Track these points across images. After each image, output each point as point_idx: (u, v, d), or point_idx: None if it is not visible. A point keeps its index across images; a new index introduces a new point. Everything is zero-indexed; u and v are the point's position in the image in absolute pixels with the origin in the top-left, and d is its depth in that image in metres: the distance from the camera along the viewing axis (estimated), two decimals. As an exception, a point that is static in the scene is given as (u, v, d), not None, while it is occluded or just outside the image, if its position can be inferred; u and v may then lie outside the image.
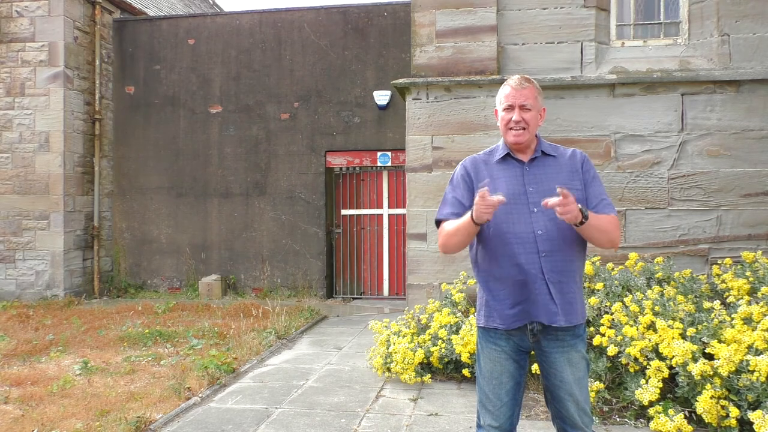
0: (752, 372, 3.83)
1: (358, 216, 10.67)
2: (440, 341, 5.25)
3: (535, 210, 2.49)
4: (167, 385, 5.14)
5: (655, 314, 4.53)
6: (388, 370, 5.34)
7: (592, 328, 4.65)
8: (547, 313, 2.48)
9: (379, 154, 10.39)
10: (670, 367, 4.13)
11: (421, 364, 5.27)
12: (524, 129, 2.53)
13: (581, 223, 2.39)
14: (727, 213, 6.16)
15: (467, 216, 2.47)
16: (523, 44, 6.57)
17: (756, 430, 3.64)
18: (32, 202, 10.20)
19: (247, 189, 10.76)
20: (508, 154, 2.61)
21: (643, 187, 6.31)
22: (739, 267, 5.37)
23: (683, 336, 4.27)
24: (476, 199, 2.35)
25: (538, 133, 2.68)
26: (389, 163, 10.37)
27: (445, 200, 2.71)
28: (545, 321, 2.48)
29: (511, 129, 2.55)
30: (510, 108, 2.55)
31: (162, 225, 11.01)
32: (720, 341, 4.14)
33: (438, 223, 2.71)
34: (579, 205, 2.37)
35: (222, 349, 6.34)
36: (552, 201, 2.33)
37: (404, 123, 6.81)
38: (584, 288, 5.13)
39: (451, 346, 5.15)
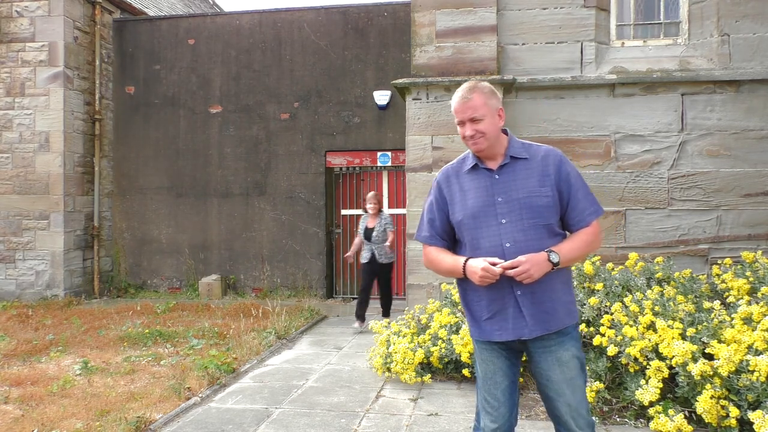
0: (752, 372, 3.82)
1: (359, 216, 10.64)
2: (440, 341, 5.25)
3: (503, 221, 2.44)
4: (167, 385, 5.14)
5: (655, 314, 4.53)
6: (388, 370, 5.34)
7: (592, 328, 4.65)
8: (515, 327, 2.45)
9: (379, 154, 10.39)
10: (670, 367, 4.13)
11: (421, 364, 5.27)
12: (482, 137, 2.49)
13: (554, 269, 2.39)
14: (727, 213, 6.16)
15: (459, 266, 2.48)
16: (523, 44, 6.57)
17: (756, 430, 3.63)
18: (32, 202, 10.20)
19: (247, 189, 10.76)
20: (476, 164, 2.56)
21: (643, 187, 6.31)
22: (739, 267, 5.37)
23: (683, 336, 4.27)
24: (479, 273, 2.37)
25: (510, 132, 2.60)
26: (389, 163, 10.37)
27: (422, 219, 2.70)
28: (512, 336, 2.46)
29: (469, 141, 2.52)
30: (461, 123, 2.52)
31: (162, 225, 11.01)
32: (720, 341, 4.14)
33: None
34: (546, 253, 2.36)
35: (222, 349, 6.34)
36: (510, 272, 2.33)
37: (404, 123, 6.82)
38: (584, 287, 5.13)
39: (451, 346, 5.15)
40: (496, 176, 2.51)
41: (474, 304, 2.54)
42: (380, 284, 7.88)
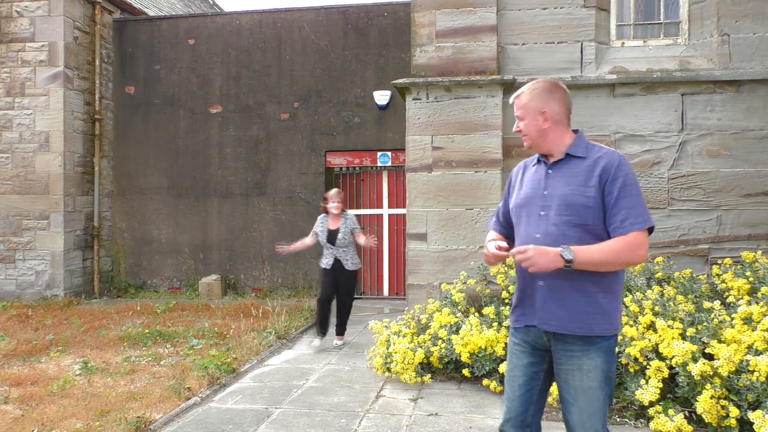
0: (752, 372, 3.83)
1: (358, 216, 10.61)
2: (440, 341, 5.25)
3: (542, 213, 2.49)
4: (167, 385, 5.14)
5: (655, 314, 4.53)
6: (388, 370, 5.34)
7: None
8: (529, 314, 2.52)
9: (379, 154, 10.39)
10: (670, 367, 4.13)
11: (421, 364, 5.27)
12: (525, 136, 2.61)
13: (567, 266, 2.34)
14: (727, 213, 6.16)
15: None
16: (523, 44, 6.57)
17: (756, 430, 3.63)
18: (32, 202, 10.20)
19: (247, 189, 10.76)
20: (539, 158, 2.66)
21: (643, 187, 6.30)
22: (739, 267, 5.37)
23: (683, 336, 4.27)
24: (485, 253, 2.60)
25: (581, 132, 2.61)
26: (389, 163, 10.37)
27: None
28: (525, 321, 2.53)
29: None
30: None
31: (162, 225, 11.01)
32: (720, 341, 4.14)
33: None
34: (560, 250, 2.33)
35: (222, 349, 6.34)
36: (518, 256, 2.38)
37: (404, 123, 6.82)
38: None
39: (451, 346, 5.15)
40: (549, 171, 2.56)
41: (517, 290, 2.64)
42: (341, 294, 6.80)
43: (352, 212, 7.09)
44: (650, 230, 2.41)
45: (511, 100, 2.71)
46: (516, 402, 2.56)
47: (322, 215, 6.85)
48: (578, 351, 2.43)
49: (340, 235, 6.61)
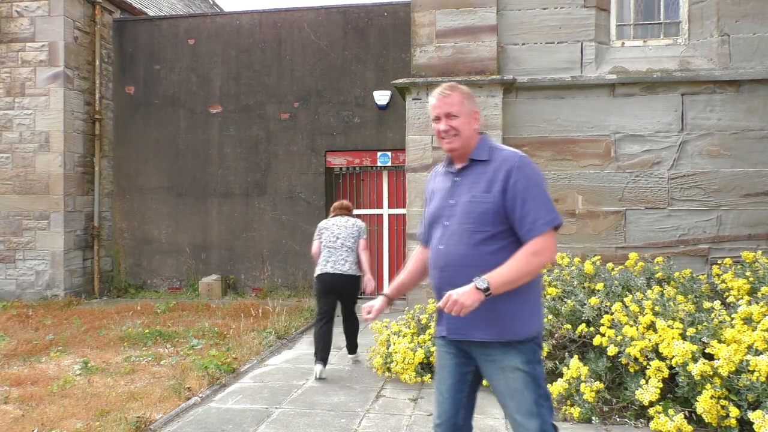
0: (752, 372, 3.83)
1: (358, 216, 10.65)
2: (440, 341, 5.24)
3: (447, 224, 2.45)
4: (167, 385, 5.14)
5: (655, 314, 4.53)
6: (388, 370, 5.34)
7: (592, 328, 4.66)
8: (443, 327, 2.48)
9: (379, 154, 10.38)
10: (670, 367, 4.13)
11: (421, 364, 5.26)
12: (456, 135, 2.48)
13: (487, 295, 2.24)
14: (727, 213, 6.16)
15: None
16: (523, 44, 6.58)
17: (756, 430, 3.63)
18: (32, 202, 10.20)
19: (247, 189, 10.76)
20: (445, 165, 2.60)
21: (643, 187, 6.31)
22: (739, 267, 5.38)
23: (683, 336, 4.27)
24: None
25: (486, 136, 2.56)
26: (389, 163, 10.37)
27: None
28: (441, 332, 2.49)
29: (443, 138, 2.51)
30: (437, 119, 2.51)
31: (162, 225, 11.01)
32: (720, 341, 4.14)
33: None
34: (475, 283, 2.22)
35: (222, 349, 6.34)
36: (446, 309, 2.26)
37: (404, 123, 6.82)
38: (585, 288, 5.12)
39: (451, 346, 5.14)
40: (456, 179, 2.50)
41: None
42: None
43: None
44: (557, 227, 2.33)
45: (435, 98, 2.52)
46: (446, 405, 2.51)
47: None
48: (498, 355, 2.37)
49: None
